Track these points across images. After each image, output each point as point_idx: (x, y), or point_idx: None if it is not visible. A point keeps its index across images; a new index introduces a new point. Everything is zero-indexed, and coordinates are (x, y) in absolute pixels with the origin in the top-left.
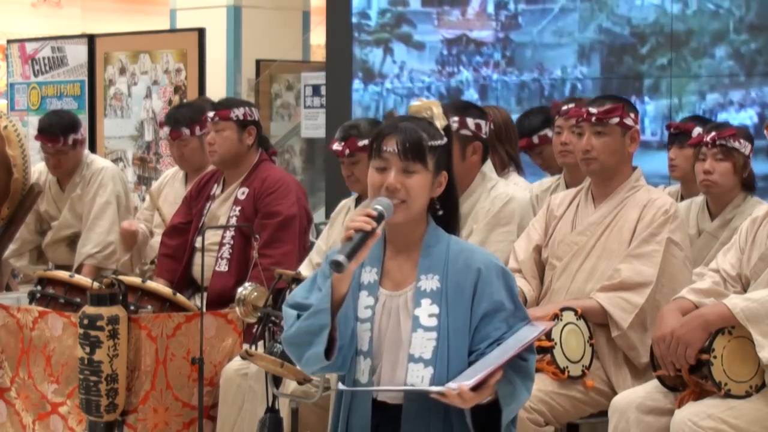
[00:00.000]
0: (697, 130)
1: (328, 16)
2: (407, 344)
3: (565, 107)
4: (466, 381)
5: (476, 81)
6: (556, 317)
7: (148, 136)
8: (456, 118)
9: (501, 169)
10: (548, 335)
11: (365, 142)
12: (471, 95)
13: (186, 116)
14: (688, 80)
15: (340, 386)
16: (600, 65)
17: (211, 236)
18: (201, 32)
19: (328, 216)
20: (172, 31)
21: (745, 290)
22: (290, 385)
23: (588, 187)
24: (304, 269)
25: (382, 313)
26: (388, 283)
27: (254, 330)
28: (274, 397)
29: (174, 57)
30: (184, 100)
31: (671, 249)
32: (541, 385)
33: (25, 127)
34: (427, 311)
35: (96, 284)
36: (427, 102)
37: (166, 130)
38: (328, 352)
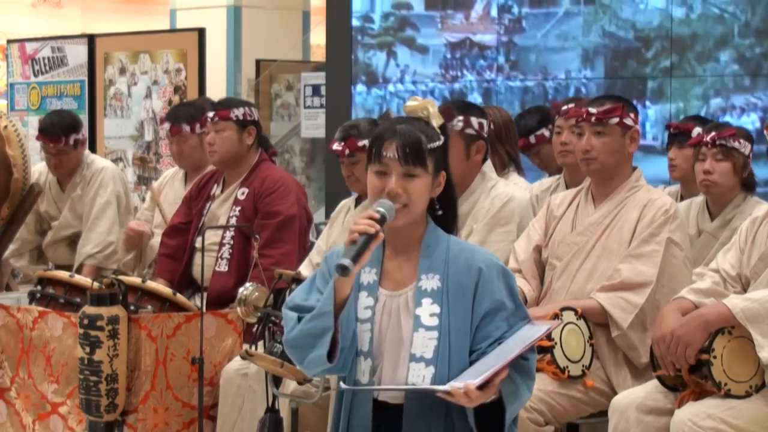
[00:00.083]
0: (697, 130)
1: (328, 16)
2: (408, 344)
3: (565, 107)
4: (470, 380)
5: (480, 85)
6: (556, 317)
7: (148, 136)
8: (461, 117)
9: (501, 169)
10: (548, 335)
11: (365, 142)
12: (475, 99)
13: (187, 113)
14: (692, 84)
15: (342, 386)
16: (604, 69)
17: (211, 236)
18: (201, 32)
19: (328, 216)
20: (172, 31)
21: (745, 290)
22: (290, 385)
23: (588, 187)
24: (304, 269)
25: (383, 313)
26: (387, 284)
27: (254, 330)
28: (274, 397)
29: (174, 57)
30: (184, 100)
31: (671, 249)
32: (542, 384)
33: (25, 127)
34: (428, 311)
35: (96, 284)
36: (423, 101)
37: (166, 125)
38: (331, 355)
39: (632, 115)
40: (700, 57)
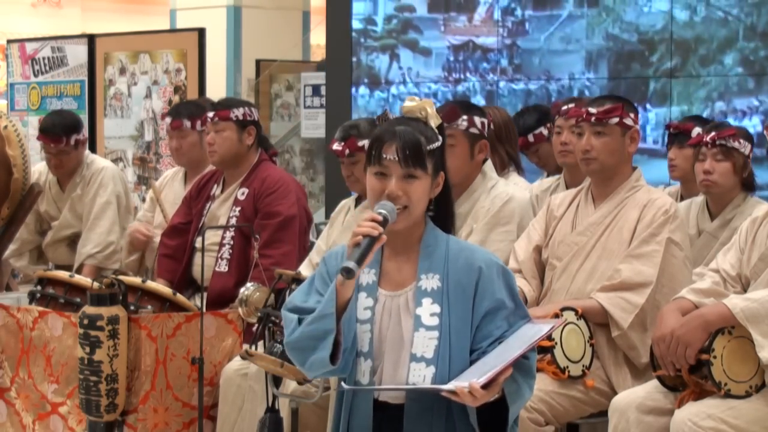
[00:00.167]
0: (697, 130)
1: (328, 16)
2: (409, 344)
3: (565, 107)
4: (473, 379)
5: (483, 87)
6: (556, 317)
7: (148, 136)
8: (465, 117)
9: (501, 169)
10: (548, 335)
11: (365, 142)
12: (477, 102)
13: (189, 109)
14: (696, 87)
15: (345, 386)
16: (607, 72)
17: (211, 236)
18: (201, 32)
19: (328, 216)
20: (172, 31)
21: (745, 290)
22: (290, 385)
23: (588, 188)
24: (304, 269)
25: (382, 313)
26: (387, 284)
27: (254, 330)
28: (274, 397)
29: (174, 57)
30: (185, 100)
31: (671, 249)
32: (542, 384)
33: (25, 127)
34: (428, 310)
35: (96, 284)
36: (421, 102)
37: (167, 120)
38: (333, 357)
39: (632, 115)
40: (704, 60)
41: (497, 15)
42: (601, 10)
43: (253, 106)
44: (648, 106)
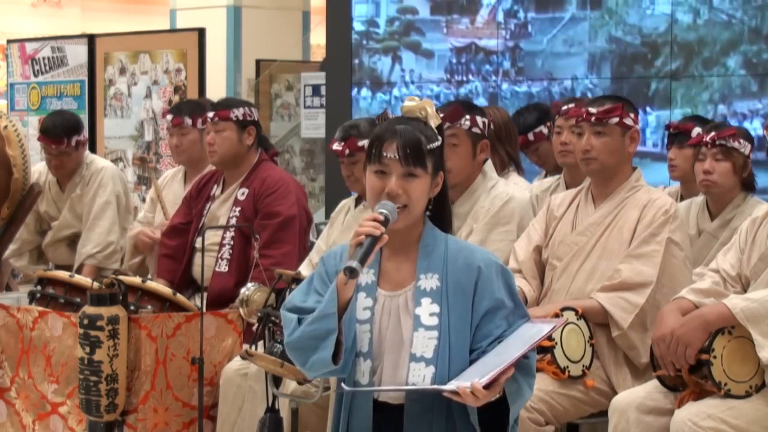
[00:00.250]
0: (697, 130)
1: (328, 16)
2: (408, 344)
3: (565, 107)
4: (473, 379)
5: (485, 90)
6: (556, 317)
7: (148, 136)
8: (468, 117)
9: (501, 169)
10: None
11: (365, 142)
12: (480, 104)
13: (190, 107)
14: (699, 90)
15: (345, 387)
16: (610, 75)
17: (211, 237)
18: (201, 32)
19: (328, 216)
20: (172, 31)
21: (745, 290)
22: (290, 385)
23: (588, 188)
24: (304, 269)
25: (382, 313)
26: (386, 284)
27: (254, 330)
28: (274, 397)
29: (174, 57)
30: (185, 100)
31: (671, 249)
32: (542, 384)
33: (25, 127)
34: (427, 310)
35: (96, 284)
36: (421, 102)
37: (169, 117)
38: (335, 356)
39: (632, 115)
40: (707, 62)
41: (500, 17)
42: (604, 12)
43: (253, 106)
44: (648, 109)
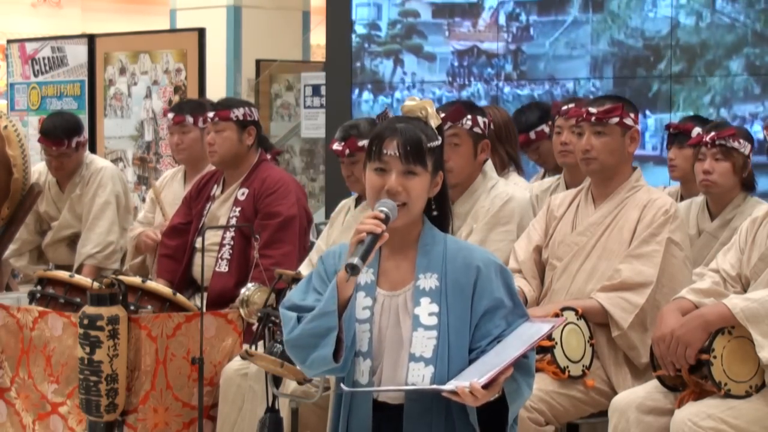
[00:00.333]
0: (697, 130)
1: (328, 16)
2: (408, 343)
3: (565, 107)
4: (472, 379)
5: (487, 93)
6: (556, 317)
7: (148, 136)
8: (469, 117)
9: (501, 169)
10: (549, 335)
11: (365, 142)
12: None
13: (191, 106)
14: (701, 93)
15: (345, 388)
16: (613, 78)
17: (211, 237)
18: (201, 32)
19: (328, 216)
20: (172, 31)
21: (745, 290)
22: (290, 385)
23: (588, 188)
24: (304, 269)
25: (381, 313)
26: (385, 284)
27: (254, 330)
28: (274, 397)
29: (174, 57)
30: (185, 99)
31: (671, 249)
32: (542, 384)
33: (25, 127)
34: (427, 310)
35: (96, 284)
36: (421, 101)
37: (170, 115)
38: (336, 354)
39: (632, 115)
40: (709, 66)
41: (502, 20)
42: (606, 15)
43: (253, 106)
44: (647, 112)
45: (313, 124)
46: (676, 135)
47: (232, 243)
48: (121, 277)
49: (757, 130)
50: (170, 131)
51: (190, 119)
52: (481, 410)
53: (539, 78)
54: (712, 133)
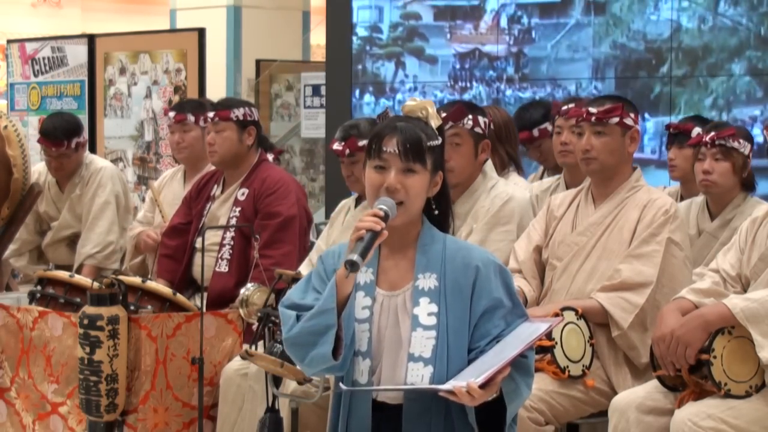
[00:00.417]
0: (697, 130)
1: (328, 16)
2: (407, 343)
3: (565, 107)
4: (470, 379)
5: (489, 95)
6: (556, 317)
7: (148, 136)
8: (470, 116)
9: (501, 169)
10: (549, 335)
11: (365, 142)
12: None
13: (192, 105)
14: (703, 96)
15: (343, 387)
16: (615, 80)
17: (211, 237)
18: (201, 32)
19: (328, 216)
20: (172, 31)
21: (745, 290)
22: (290, 385)
23: (588, 188)
24: (304, 269)
25: (381, 313)
26: (384, 284)
27: (254, 330)
28: (274, 397)
29: (174, 57)
30: (186, 99)
31: (671, 249)
32: (542, 384)
33: (25, 127)
34: (426, 310)
35: (96, 284)
36: (422, 102)
37: (171, 114)
38: (335, 352)
39: (632, 115)
40: (711, 68)
41: (504, 23)
42: (609, 18)
43: (253, 106)
44: (646, 115)
45: (313, 124)
46: (676, 135)
47: (232, 243)
48: (121, 277)
49: (757, 134)
50: (171, 130)
51: (191, 118)
52: (480, 410)
53: (541, 81)
54: (712, 133)
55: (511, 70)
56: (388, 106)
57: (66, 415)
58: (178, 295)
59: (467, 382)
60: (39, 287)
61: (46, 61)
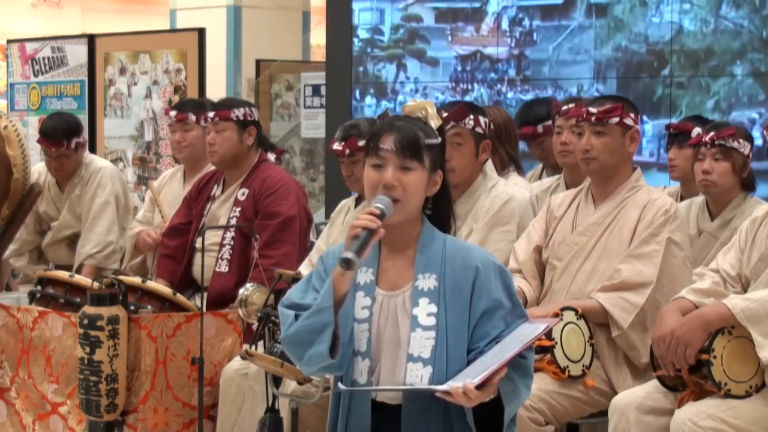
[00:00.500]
0: (697, 130)
1: (328, 16)
2: (406, 344)
3: (565, 107)
4: (468, 379)
5: (490, 98)
6: (556, 317)
7: (148, 136)
8: (471, 116)
9: (501, 169)
10: (549, 335)
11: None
12: None
13: (193, 104)
14: (705, 98)
15: (342, 387)
16: (616, 83)
17: (211, 237)
18: (201, 32)
19: (328, 216)
20: (172, 31)
21: (745, 290)
22: (290, 385)
23: (588, 188)
24: (304, 269)
25: (380, 313)
26: (384, 284)
27: (254, 330)
28: (274, 397)
29: (174, 57)
30: (186, 99)
31: (671, 249)
32: (542, 384)
33: (25, 127)
34: (425, 310)
35: (96, 284)
36: (422, 102)
37: (172, 113)
38: (332, 351)
39: (632, 115)
40: (713, 71)
41: (505, 25)
42: (610, 20)
43: (253, 106)
44: (645, 118)
45: (313, 124)
46: (676, 135)
47: (232, 243)
48: (121, 277)
49: (756, 136)
50: (172, 129)
51: (192, 117)
52: (479, 411)
53: (542, 83)
54: (712, 133)
55: (512, 72)
56: (389, 107)
57: (66, 415)
58: (178, 295)
59: (464, 382)
60: (39, 287)
61: (46, 61)
